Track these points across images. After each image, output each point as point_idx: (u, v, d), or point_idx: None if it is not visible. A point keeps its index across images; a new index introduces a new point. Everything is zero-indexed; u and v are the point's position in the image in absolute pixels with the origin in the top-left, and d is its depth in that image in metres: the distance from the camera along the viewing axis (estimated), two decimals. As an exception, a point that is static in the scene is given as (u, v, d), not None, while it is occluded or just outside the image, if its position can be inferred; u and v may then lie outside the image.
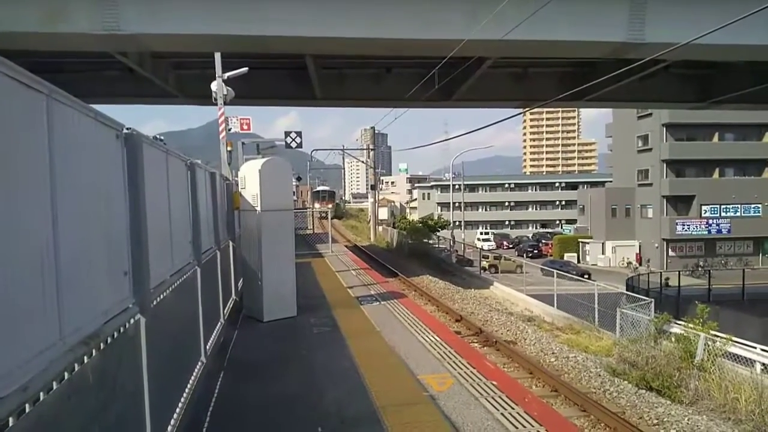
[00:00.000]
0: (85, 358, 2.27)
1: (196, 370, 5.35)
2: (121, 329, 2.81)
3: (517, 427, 4.69)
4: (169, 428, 3.94)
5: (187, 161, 5.21)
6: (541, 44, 13.22)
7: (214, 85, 13.51)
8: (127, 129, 3.15)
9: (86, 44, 12.57)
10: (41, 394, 1.84)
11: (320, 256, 18.68)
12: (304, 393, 5.68)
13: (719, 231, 49.55)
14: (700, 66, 19.65)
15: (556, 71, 20.42)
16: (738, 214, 49.53)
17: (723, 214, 49.58)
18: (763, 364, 12.69)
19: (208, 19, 11.92)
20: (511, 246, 70.78)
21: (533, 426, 4.73)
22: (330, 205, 57.31)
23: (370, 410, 5.08)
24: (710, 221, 49.48)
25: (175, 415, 4.16)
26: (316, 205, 56.10)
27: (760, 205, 49.28)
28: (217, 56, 13.53)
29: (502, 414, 4.97)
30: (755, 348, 13.66)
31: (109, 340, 2.58)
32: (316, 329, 8.44)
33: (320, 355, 7.03)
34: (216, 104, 13.56)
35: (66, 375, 2.06)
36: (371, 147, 47.14)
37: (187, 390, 4.76)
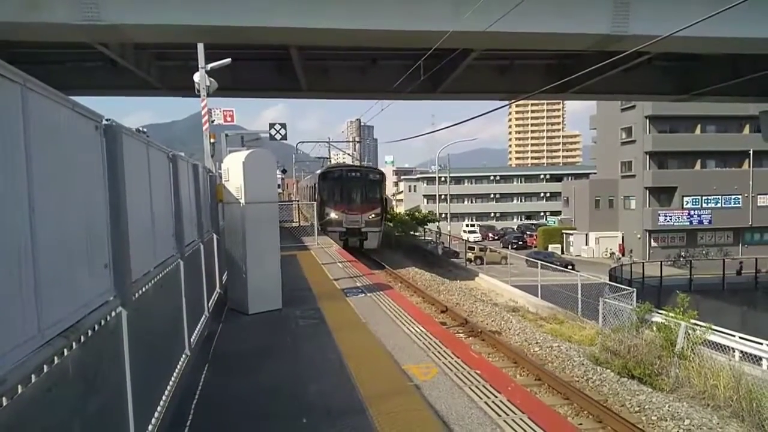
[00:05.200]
0: (65, 351, 2.25)
1: (180, 363, 5.33)
2: (102, 322, 2.79)
3: (500, 415, 4.74)
4: (153, 421, 3.93)
5: (169, 153, 5.16)
6: (525, 36, 13.27)
7: (196, 77, 13.36)
8: (107, 120, 3.11)
9: (66, 34, 12.39)
10: (19, 386, 1.82)
11: (306, 248, 18.63)
12: (290, 385, 5.69)
13: (700, 222, 50.32)
14: (682, 58, 19.89)
15: (541, 63, 20.54)
16: (719, 205, 50.34)
17: (704, 205, 50.36)
18: (742, 352, 12.95)
19: (189, 8, 11.80)
20: (496, 237, 71.23)
21: (516, 414, 4.78)
22: (373, 214, 25.68)
23: (356, 400, 5.10)
24: (692, 212, 50.21)
25: (159, 408, 4.14)
26: (333, 215, 24.85)
27: (740, 196, 50.12)
28: (200, 47, 13.38)
29: (485, 402, 5.02)
30: (734, 336, 13.94)
31: (89, 333, 2.56)
32: (302, 321, 8.43)
33: (306, 347, 7.03)
34: (199, 96, 13.42)
35: (45, 368, 2.05)
36: (357, 139, 47.05)
37: (171, 383, 4.74)
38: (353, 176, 27.31)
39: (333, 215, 25.23)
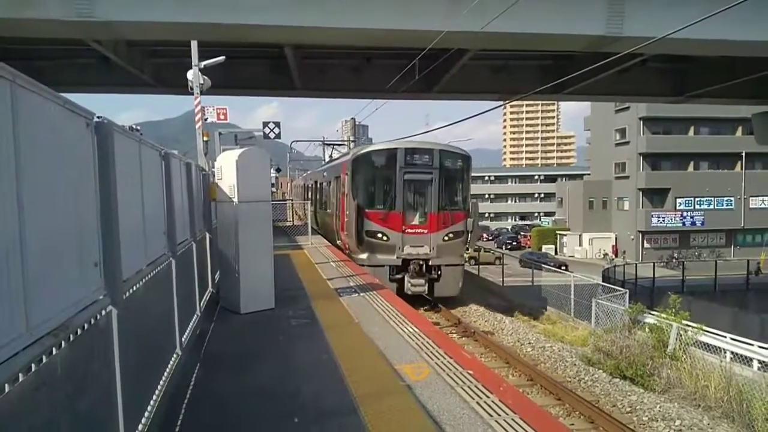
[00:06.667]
0: (54, 349, 2.23)
1: (171, 362, 5.31)
2: (92, 321, 2.77)
3: (491, 415, 4.74)
4: (144, 420, 3.91)
5: (161, 151, 5.13)
6: (520, 36, 13.29)
7: (190, 74, 13.29)
8: (98, 117, 3.09)
9: (58, 31, 12.30)
10: (6, 385, 1.81)
11: (300, 248, 18.57)
12: (282, 385, 5.67)
13: (693, 223, 50.60)
14: (676, 60, 19.97)
15: (536, 64, 20.58)
16: (711, 206, 50.63)
17: (697, 206, 50.65)
18: (733, 353, 13.03)
19: (183, 6, 11.75)
20: (490, 238, 71.28)
21: (508, 414, 4.79)
22: (452, 233, 15.13)
23: (347, 400, 5.09)
24: (684, 214, 50.48)
25: (149, 407, 4.12)
26: (379, 235, 14.72)
27: (732, 198, 50.44)
28: (194, 44, 13.31)
29: (477, 402, 5.02)
30: (725, 337, 14.01)
31: (79, 331, 2.55)
32: (294, 321, 8.41)
33: (298, 347, 7.01)
34: (193, 94, 13.35)
35: (33, 366, 2.03)
36: (352, 139, 46.94)
37: (162, 382, 4.72)
38: (417, 162, 15.17)
39: (379, 235, 14.79)
